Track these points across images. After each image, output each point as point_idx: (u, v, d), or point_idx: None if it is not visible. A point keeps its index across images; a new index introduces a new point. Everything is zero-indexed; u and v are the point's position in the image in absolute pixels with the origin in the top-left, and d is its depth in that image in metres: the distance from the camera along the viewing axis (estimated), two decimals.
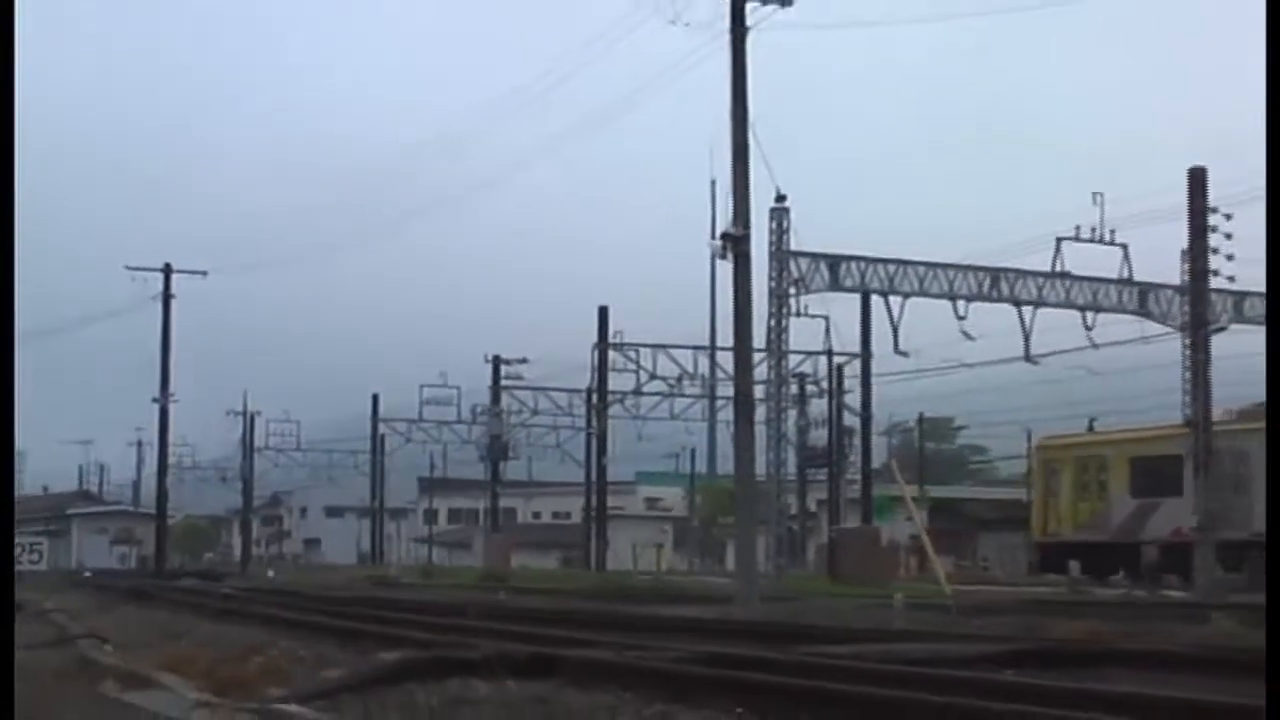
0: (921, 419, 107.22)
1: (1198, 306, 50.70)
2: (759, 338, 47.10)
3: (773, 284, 51.30)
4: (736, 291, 40.92)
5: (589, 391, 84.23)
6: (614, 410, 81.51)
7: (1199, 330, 50.59)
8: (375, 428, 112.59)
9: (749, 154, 40.36)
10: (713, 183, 43.38)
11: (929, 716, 9.62)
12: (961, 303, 53.38)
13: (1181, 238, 50.96)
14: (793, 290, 52.51)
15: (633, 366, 76.28)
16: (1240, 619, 25.84)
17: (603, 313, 79.20)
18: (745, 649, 17.44)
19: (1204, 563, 48.79)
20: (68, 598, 42.21)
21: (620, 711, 10.80)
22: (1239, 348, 57.11)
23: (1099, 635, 20.12)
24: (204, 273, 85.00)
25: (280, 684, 13.92)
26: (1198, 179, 50.03)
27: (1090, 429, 63.21)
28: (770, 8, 42.19)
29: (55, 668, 18.44)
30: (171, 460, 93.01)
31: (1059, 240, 53.52)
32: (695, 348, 73.95)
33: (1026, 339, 54.18)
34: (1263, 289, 55.23)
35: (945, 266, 53.81)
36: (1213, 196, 50.20)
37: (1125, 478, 51.68)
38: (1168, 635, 20.86)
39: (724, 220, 40.95)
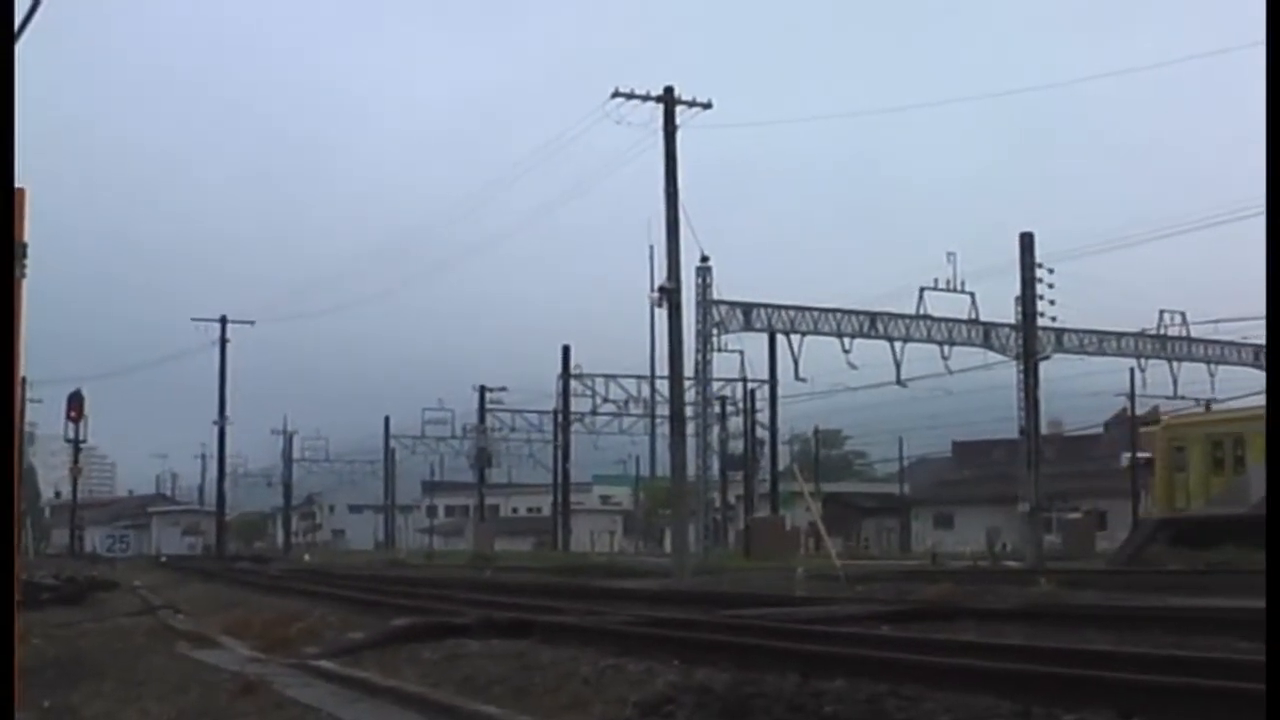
0: (816, 431, 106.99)
1: (1028, 341, 51.10)
2: (689, 369, 47.15)
3: (699, 326, 51.36)
4: (670, 332, 41.07)
5: (555, 413, 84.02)
6: (575, 427, 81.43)
7: (1029, 359, 50.98)
8: (387, 443, 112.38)
9: (679, 225, 40.54)
10: (650, 247, 43.29)
11: (824, 662, 9.66)
12: (847, 339, 53.55)
13: (1015, 287, 51.44)
14: (715, 331, 52.61)
15: (589, 392, 76.15)
16: (1058, 581, 25.94)
17: (565, 351, 79.01)
18: (680, 612, 17.42)
19: (1034, 534, 49.14)
20: (150, 577, 41.97)
21: (581, 662, 10.79)
22: (1059, 372, 57.68)
23: (952, 596, 20.16)
24: (252, 322, 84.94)
25: (315, 643, 13.89)
26: (1027, 242, 50.49)
27: (1207, 408, 55.42)
28: (694, 110, 42.47)
29: (144, 630, 18.36)
30: (228, 469, 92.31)
31: (922, 290, 53.73)
32: (638, 377, 73.61)
33: (897, 367, 54.37)
34: (1078, 327, 55.77)
35: (834, 311, 53.92)
36: (1038, 255, 50.69)
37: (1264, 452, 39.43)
38: (1002, 595, 20.90)
39: (660, 276, 41.06)
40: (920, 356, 54.98)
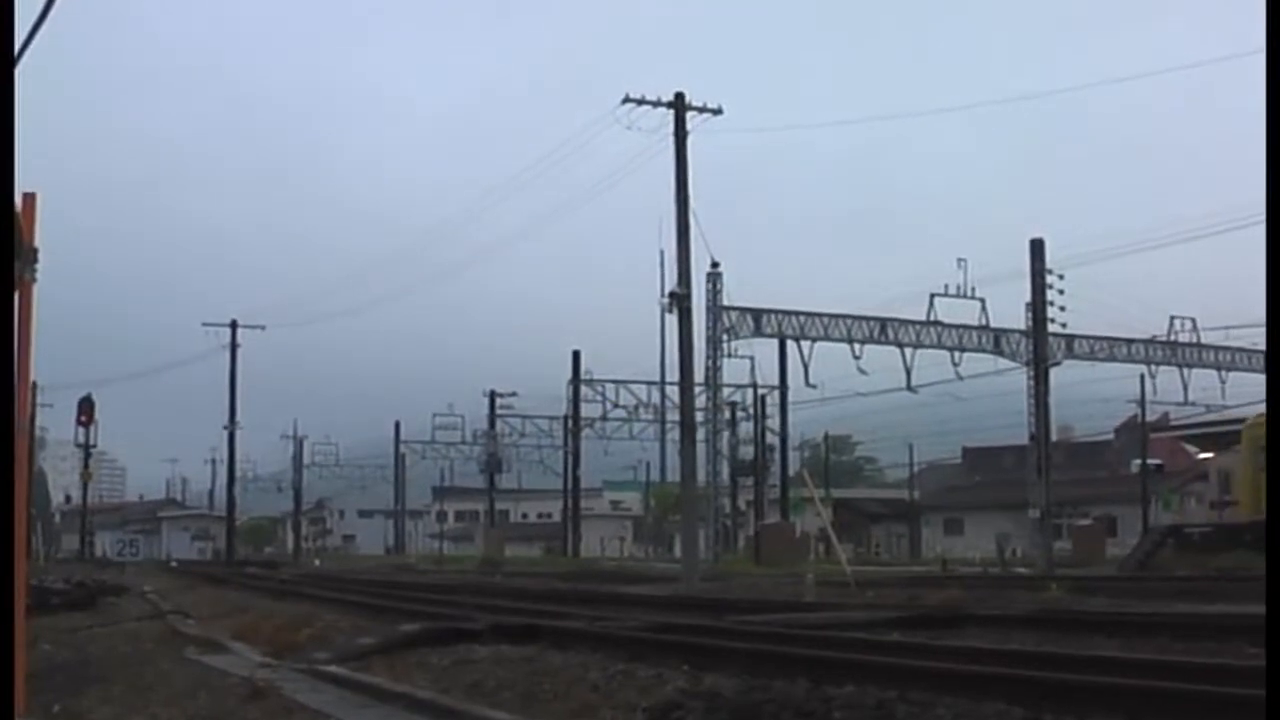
0: (826, 437, 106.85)
1: (1038, 347, 51.08)
2: (699, 374, 47.16)
3: (709, 332, 51.38)
4: (681, 338, 40.96)
5: (565, 418, 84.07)
6: (585, 433, 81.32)
7: (1040, 365, 50.95)
8: (397, 448, 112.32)
9: (690, 230, 40.44)
10: (661, 253, 43.18)
11: (833, 668, 9.65)
12: (857, 345, 53.50)
13: (1025, 293, 51.40)
14: (725, 337, 52.62)
15: (599, 398, 76.21)
16: (1068, 587, 25.88)
17: (576, 356, 78.97)
18: (689, 618, 17.42)
19: (1044, 540, 49.05)
20: (160, 581, 41.95)
21: (591, 668, 10.79)
22: (1070, 378, 57.56)
23: (961, 602, 20.13)
24: (262, 327, 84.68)
25: (324, 648, 13.89)
26: (1037, 248, 50.48)
27: None
28: (704, 116, 42.38)
29: (153, 635, 18.37)
30: (238, 474, 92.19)
31: (932, 296, 53.68)
32: (649, 382, 73.63)
33: (908, 373, 54.28)
34: (1089, 333, 55.67)
35: (844, 317, 53.87)
36: (1049, 260, 50.67)
37: None
38: (1012, 601, 20.87)
39: (670, 281, 41.01)
40: (931, 362, 54.99)
